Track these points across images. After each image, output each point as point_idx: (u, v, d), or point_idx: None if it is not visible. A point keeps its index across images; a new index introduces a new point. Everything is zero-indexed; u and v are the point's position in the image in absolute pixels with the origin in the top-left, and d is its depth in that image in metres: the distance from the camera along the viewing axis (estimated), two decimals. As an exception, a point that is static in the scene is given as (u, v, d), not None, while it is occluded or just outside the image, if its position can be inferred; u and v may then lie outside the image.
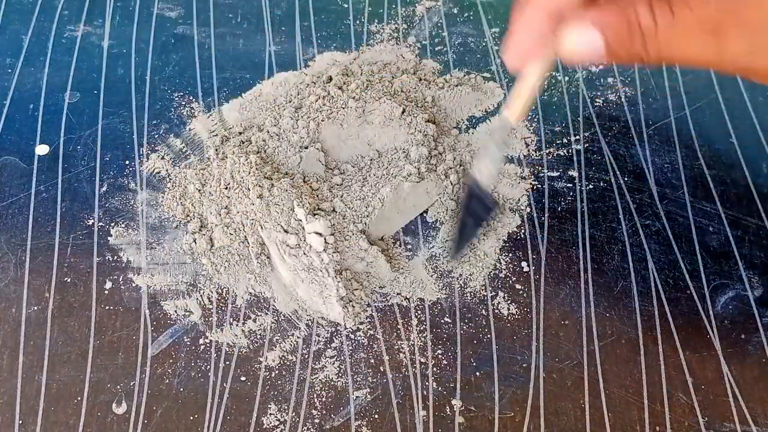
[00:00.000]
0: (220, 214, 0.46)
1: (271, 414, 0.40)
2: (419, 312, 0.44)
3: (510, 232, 0.47)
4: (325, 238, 0.43)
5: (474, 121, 0.53)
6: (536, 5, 0.30)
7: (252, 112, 0.52)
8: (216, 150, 0.49)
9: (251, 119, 0.51)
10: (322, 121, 0.49)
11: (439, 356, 0.42)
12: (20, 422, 0.40)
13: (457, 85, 0.53)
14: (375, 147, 0.50)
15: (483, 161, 0.37)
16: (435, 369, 0.42)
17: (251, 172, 0.46)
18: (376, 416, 0.40)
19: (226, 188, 0.46)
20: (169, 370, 0.41)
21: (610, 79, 0.55)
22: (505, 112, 0.34)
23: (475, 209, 0.39)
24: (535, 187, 0.49)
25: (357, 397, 0.41)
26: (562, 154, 0.51)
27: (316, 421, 0.40)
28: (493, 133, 0.35)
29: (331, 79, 0.52)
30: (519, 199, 0.49)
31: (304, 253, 0.43)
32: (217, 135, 0.50)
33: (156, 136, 0.51)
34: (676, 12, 0.27)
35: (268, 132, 0.49)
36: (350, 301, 0.43)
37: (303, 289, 0.43)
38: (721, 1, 0.27)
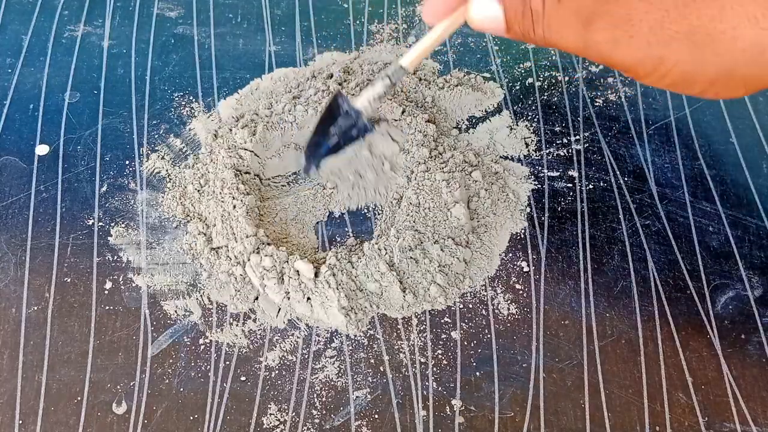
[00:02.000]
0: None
1: (271, 414, 0.40)
2: (419, 312, 0.44)
3: (513, 232, 0.47)
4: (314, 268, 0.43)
5: (474, 121, 0.53)
6: None
7: (248, 105, 0.52)
8: (210, 149, 0.49)
9: (245, 110, 0.51)
10: (320, 111, 0.49)
11: (439, 356, 0.42)
12: (20, 422, 0.40)
13: (457, 85, 0.53)
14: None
15: (366, 90, 0.39)
16: (435, 369, 0.42)
17: (226, 186, 0.46)
18: (376, 416, 0.40)
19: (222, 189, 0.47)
20: (169, 370, 0.41)
21: (610, 79, 0.55)
22: (403, 57, 0.38)
23: (342, 125, 0.39)
24: (535, 187, 0.49)
25: (357, 397, 0.41)
26: (562, 154, 0.51)
27: (316, 421, 0.40)
28: (384, 71, 0.39)
29: (332, 76, 0.52)
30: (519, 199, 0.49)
31: (290, 277, 0.43)
32: (209, 132, 0.50)
33: (156, 136, 0.51)
34: (562, 0, 0.31)
35: (258, 114, 0.49)
36: (352, 308, 0.43)
37: (299, 307, 0.43)
38: None
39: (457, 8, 0.35)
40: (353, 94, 0.50)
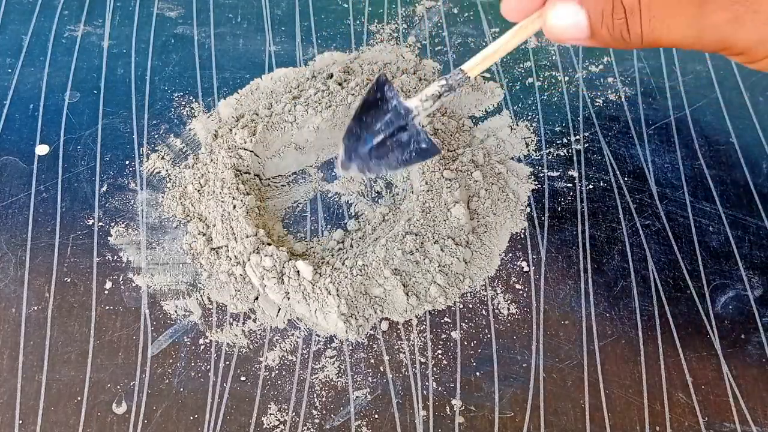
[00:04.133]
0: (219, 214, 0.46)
1: (271, 414, 0.40)
2: (420, 313, 0.44)
3: (513, 232, 0.47)
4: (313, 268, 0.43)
5: (474, 120, 0.53)
6: None
7: (247, 104, 0.52)
8: (209, 149, 0.49)
9: (245, 110, 0.51)
10: (320, 111, 0.49)
11: (439, 356, 0.42)
12: (20, 422, 0.40)
13: (457, 85, 0.53)
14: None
15: (421, 91, 0.36)
16: (435, 369, 0.42)
17: (226, 187, 0.46)
18: (376, 416, 0.40)
19: (222, 188, 0.47)
20: (169, 370, 0.41)
21: (610, 79, 0.55)
22: (467, 64, 0.34)
23: (391, 122, 0.34)
24: (535, 187, 0.49)
25: (357, 397, 0.41)
26: (562, 154, 0.51)
27: (316, 421, 0.40)
28: (444, 76, 0.35)
29: (332, 75, 0.52)
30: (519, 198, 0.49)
31: (290, 277, 0.43)
32: (209, 132, 0.50)
33: (156, 136, 0.51)
34: None
35: (258, 114, 0.49)
36: (352, 315, 0.43)
37: (299, 307, 0.43)
38: None
39: (536, 10, 0.31)
40: (353, 94, 0.50)
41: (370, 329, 0.43)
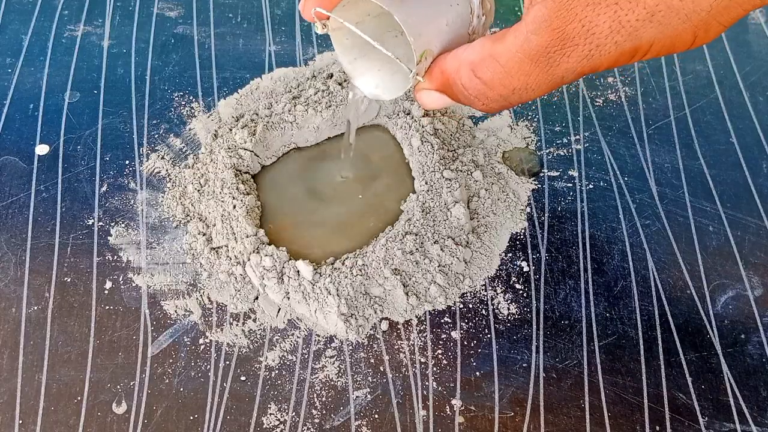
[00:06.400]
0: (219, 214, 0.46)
1: (271, 414, 0.40)
2: (420, 313, 0.44)
3: (513, 232, 0.47)
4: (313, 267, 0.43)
5: (474, 120, 0.53)
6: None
7: (247, 104, 0.52)
8: (209, 149, 0.49)
9: (245, 110, 0.51)
10: (320, 111, 0.49)
11: (439, 356, 0.42)
12: (20, 422, 0.40)
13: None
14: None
15: None
16: (435, 369, 0.42)
17: (226, 187, 0.46)
18: (376, 416, 0.40)
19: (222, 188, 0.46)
20: (169, 370, 0.41)
21: (610, 79, 0.55)
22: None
23: None
24: (535, 187, 0.49)
25: (357, 396, 0.41)
26: (562, 153, 0.51)
27: (316, 420, 0.40)
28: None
29: (332, 75, 0.52)
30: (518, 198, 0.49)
31: (290, 277, 0.43)
32: (209, 132, 0.50)
33: (156, 135, 0.51)
34: (498, 63, 0.30)
35: (258, 114, 0.49)
36: (352, 315, 0.43)
37: (299, 307, 0.43)
38: (540, 31, 0.28)
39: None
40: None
41: (370, 329, 0.43)
